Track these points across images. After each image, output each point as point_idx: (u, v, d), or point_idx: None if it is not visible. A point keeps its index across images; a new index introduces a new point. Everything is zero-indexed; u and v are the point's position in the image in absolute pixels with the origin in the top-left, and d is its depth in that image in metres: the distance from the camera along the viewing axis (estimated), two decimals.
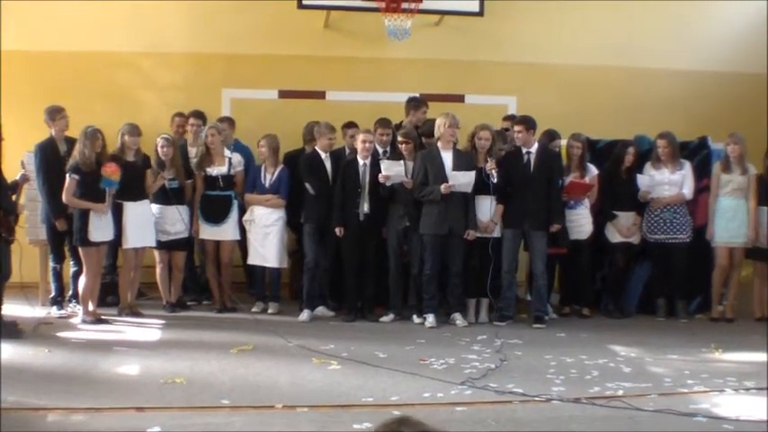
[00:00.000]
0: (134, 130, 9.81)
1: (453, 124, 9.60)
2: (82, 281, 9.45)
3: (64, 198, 9.28)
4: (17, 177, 9.38)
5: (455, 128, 9.64)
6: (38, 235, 10.06)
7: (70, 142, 9.62)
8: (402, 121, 10.64)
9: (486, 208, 9.72)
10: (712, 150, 10.66)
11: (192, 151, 10.56)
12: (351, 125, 10.53)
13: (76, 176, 9.20)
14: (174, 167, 10.01)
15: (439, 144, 9.64)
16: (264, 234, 10.11)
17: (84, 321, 9.38)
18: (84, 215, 9.26)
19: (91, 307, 9.44)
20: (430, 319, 9.56)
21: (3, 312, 8.77)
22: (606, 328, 9.75)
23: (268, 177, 10.18)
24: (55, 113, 9.81)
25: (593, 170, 10.32)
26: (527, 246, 9.96)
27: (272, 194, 10.13)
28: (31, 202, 9.91)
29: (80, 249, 9.43)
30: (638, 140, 10.63)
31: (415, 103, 10.75)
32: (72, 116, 9.88)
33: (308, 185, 9.95)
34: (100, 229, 9.30)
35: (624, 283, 10.53)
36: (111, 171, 9.31)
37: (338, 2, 11.30)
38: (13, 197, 9.23)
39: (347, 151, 10.38)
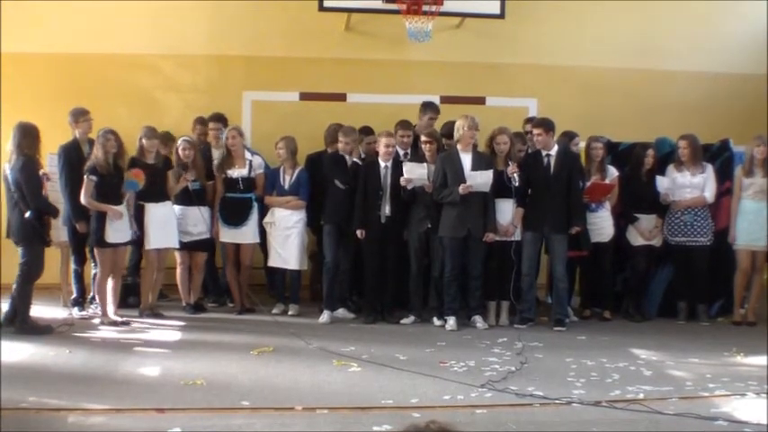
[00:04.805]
0: (151, 133, 9.87)
1: (473, 126, 9.58)
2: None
3: (82, 199, 9.32)
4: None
5: (474, 130, 9.62)
6: (59, 237, 10.09)
7: (93, 144, 9.67)
8: (415, 125, 10.62)
9: (507, 211, 9.71)
10: (734, 153, 10.59)
11: (216, 153, 10.60)
12: (367, 132, 10.54)
13: (94, 178, 9.25)
14: (196, 169, 10.05)
15: (458, 146, 9.62)
16: (285, 236, 10.12)
17: (102, 323, 9.44)
18: (102, 216, 9.30)
19: (112, 308, 9.50)
20: (450, 321, 9.54)
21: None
22: (627, 331, 9.72)
23: (287, 179, 10.18)
24: (79, 115, 9.87)
25: (614, 172, 10.29)
26: (548, 248, 9.95)
27: (291, 196, 10.15)
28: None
29: (95, 250, 9.49)
30: (660, 143, 10.58)
31: (423, 109, 10.69)
32: (94, 118, 9.95)
33: (337, 182, 9.94)
34: (117, 230, 9.35)
35: (645, 287, 10.48)
36: (136, 174, 9.44)
37: (359, 4, 11.28)
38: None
39: (362, 156, 10.38)
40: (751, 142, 10.05)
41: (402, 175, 9.60)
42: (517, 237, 9.75)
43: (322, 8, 11.15)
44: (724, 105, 12.50)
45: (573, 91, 12.42)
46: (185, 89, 12.09)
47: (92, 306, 10.03)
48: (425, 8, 10.94)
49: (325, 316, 9.86)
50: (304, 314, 10.16)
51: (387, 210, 9.77)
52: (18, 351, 8.06)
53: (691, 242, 10.15)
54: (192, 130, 10.99)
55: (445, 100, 11.66)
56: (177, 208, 10.02)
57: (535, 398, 6.77)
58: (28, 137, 8.86)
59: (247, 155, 10.32)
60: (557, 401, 6.69)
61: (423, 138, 9.93)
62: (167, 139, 10.43)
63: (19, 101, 10.95)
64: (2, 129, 9.89)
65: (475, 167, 9.48)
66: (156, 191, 9.77)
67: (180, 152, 9.99)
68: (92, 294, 10.12)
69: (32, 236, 8.86)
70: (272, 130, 11.10)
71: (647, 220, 10.23)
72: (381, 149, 9.82)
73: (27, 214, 8.78)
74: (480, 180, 9.40)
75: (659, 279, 10.52)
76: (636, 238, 10.26)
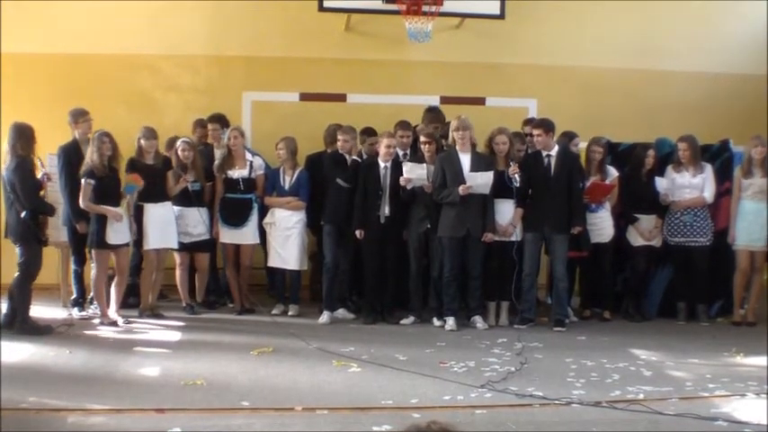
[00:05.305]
0: (150, 134, 9.86)
1: (461, 127, 9.55)
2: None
3: (80, 203, 9.32)
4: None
5: (464, 130, 9.58)
6: (58, 237, 10.08)
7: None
8: (417, 126, 10.61)
9: (507, 212, 9.70)
10: (734, 153, 10.58)
11: (218, 154, 10.58)
12: (369, 132, 10.53)
13: (91, 181, 9.25)
14: (195, 170, 10.04)
15: (457, 146, 9.62)
16: (285, 237, 10.11)
17: (101, 323, 9.44)
18: (101, 218, 9.30)
19: (114, 307, 9.50)
20: (450, 321, 9.53)
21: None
22: (627, 331, 9.71)
23: (287, 180, 10.18)
24: (78, 116, 9.86)
25: (614, 172, 10.28)
26: (548, 249, 9.94)
27: (291, 197, 10.15)
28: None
29: (93, 251, 9.49)
30: (660, 143, 10.57)
31: (429, 117, 10.71)
32: (93, 118, 9.93)
33: (339, 180, 9.94)
34: (117, 231, 9.35)
35: (645, 287, 10.48)
36: (134, 179, 9.47)
37: (359, 4, 11.28)
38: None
39: (364, 157, 10.37)
40: (749, 143, 10.05)
41: (402, 175, 9.60)
42: (517, 237, 9.76)
43: (322, 8, 11.15)
44: (724, 105, 12.50)
45: (573, 91, 12.42)
46: (185, 89, 12.06)
47: (92, 306, 10.02)
48: (425, 8, 10.95)
49: (324, 316, 9.86)
50: (304, 314, 10.16)
51: (386, 210, 9.76)
52: (18, 351, 8.07)
53: (690, 242, 10.15)
54: (193, 131, 10.99)
55: (445, 100, 11.68)
56: (176, 209, 10.01)
57: (535, 398, 6.76)
58: (23, 137, 8.87)
59: (248, 155, 10.32)
60: (556, 402, 6.68)
61: (422, 138, 9.93)
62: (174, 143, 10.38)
63: (18, 101, 10.95)
64: (1, 129, 9.88)
65: (474, 168, 9.47)
66: (155, 191, 9.76)
67: (179, 153, 9.98)
68: (92, 294, 10.12)
69: (29, 235, 8.88)
70: (272, 130, 11.10)
71: (646, 221, 10.22)
72: (382, 150, 9.81)
73: (23, 214, 8.80)
74: (480, 181, 9.39)
75: (659, 279, 10.52)
76: (636, 238, 10.25)
